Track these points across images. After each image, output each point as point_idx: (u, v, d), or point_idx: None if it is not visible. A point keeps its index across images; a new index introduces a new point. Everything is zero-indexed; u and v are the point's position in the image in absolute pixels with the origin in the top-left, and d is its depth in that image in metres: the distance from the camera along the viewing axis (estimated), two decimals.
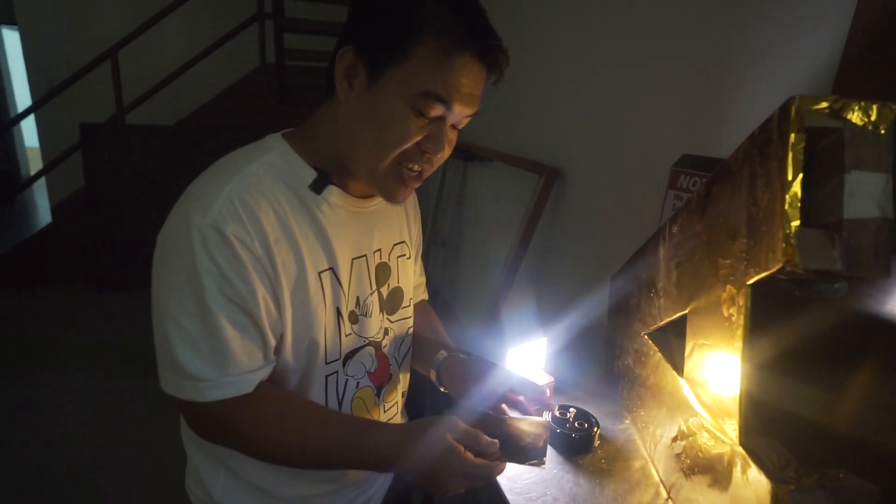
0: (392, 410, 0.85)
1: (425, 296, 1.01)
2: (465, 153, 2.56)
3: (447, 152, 0.67)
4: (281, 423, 0.64)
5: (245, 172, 0.62)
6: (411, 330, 0.89)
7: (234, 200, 0.59)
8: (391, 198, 0.68)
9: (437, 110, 0.61)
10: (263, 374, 0.65)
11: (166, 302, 0.59)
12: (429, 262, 3.08)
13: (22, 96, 5.89)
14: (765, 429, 0.58)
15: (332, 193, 0.69)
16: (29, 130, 5.51)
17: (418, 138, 0.62)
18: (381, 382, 0.81)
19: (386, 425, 0.67)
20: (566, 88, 1.85)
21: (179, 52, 3.66)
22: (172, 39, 3.78)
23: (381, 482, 0.91)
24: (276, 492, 0.75)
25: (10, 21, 4.96)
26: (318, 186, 0.67)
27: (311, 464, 0.67)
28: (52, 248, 3.50)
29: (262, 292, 0.61)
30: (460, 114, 0.63)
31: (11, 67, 5.97)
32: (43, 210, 5.20)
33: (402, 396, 0.89)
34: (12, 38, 5.75)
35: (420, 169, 0.66)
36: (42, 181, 3.74)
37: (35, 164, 5.84)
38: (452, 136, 0.66)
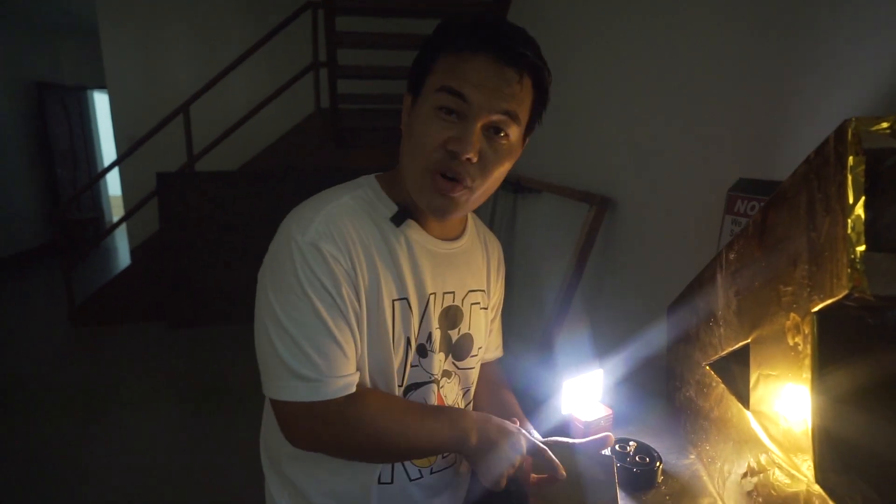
0: (443, 461, 0.83)
1: (500, 352, 0.98)
2: (515, 185, 2.58)
3: (497, 165, 0.67)
4: (381, 418, 0.68)
5: (339, 202, 0.70)
6: (473, 385, 0.88)
7: (327, 222, 0.67)
8: (435, 211, 0.69)
9: (454, 102, 0.63)
10: (359, 378, 0.70)
11: (272, 312, 0.65)
12: None
13: (108, 151, 6.53)
14: (845, 467, 0.54)
15: (411, 228, 0.74)
16: (113, 181, 6.10)
17: (444, 137, 0.64)
18: None
19: (466, 411, 0.75)
20: (615, 115, 1.84)
21: (242, 102, 3.95)
22: (236, 91, 4.09)
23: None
24: None
25: (100, 86, 5.65)
26: (398, 220, 0.72)
27: (402, 455, 0.73)
28: (130, 289, 3.78)
29: (352, 305, 0.67)
30: (484, 108, 0.63)
31: (100, 126, 6.69)
32: (123, 253, 5.66)
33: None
34: (101, 101, 6.48)
35: (454, 176, 0.66)
36: (123, 226, 4.09)
37: (118, 212, 6.39)
38: (498, 144, 0.66)
